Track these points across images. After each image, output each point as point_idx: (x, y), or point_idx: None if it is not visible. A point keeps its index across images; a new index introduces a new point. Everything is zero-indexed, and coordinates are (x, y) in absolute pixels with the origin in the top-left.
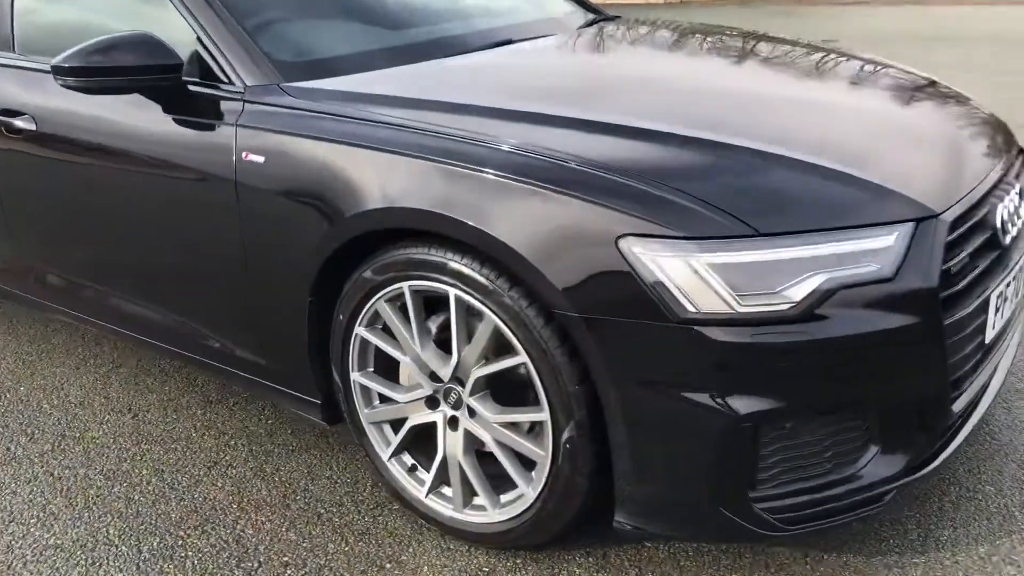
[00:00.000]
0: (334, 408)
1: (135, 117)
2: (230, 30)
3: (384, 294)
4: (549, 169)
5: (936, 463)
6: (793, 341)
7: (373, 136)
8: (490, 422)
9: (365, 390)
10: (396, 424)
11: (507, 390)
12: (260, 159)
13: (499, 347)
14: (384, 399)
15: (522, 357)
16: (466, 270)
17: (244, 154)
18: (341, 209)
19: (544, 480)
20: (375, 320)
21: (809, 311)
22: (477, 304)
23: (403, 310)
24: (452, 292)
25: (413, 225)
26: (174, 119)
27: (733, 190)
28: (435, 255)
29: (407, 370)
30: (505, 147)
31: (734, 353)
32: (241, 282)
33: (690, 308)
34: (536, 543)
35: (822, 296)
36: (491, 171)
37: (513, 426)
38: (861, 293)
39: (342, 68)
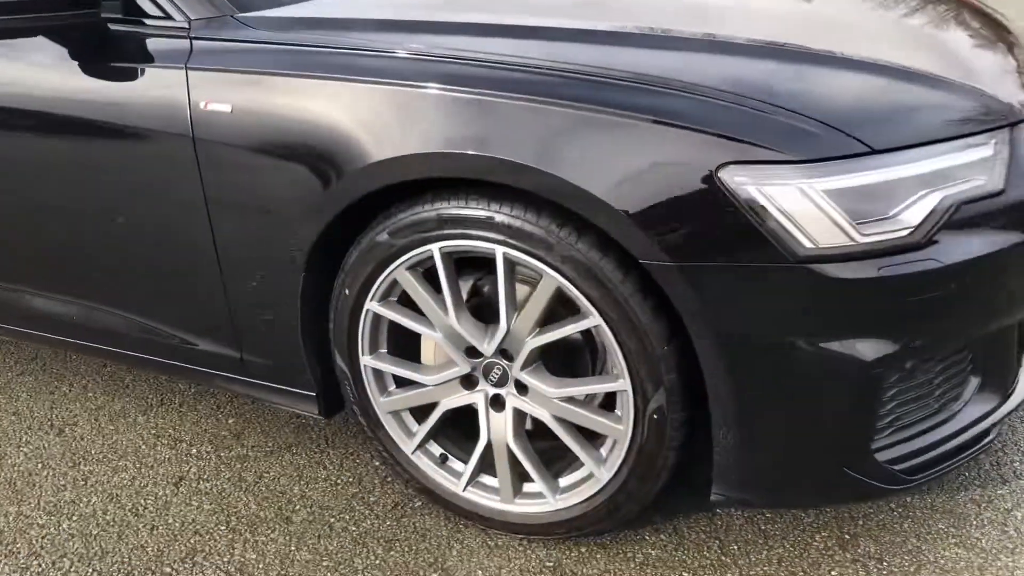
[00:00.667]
0: (332, 398)
1: (41, 68)
2: None
3: (405, 260)
4: (623, 93)
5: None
6: (921, 271)
7: (380, 68)
8: (549, 398)
9: (378, 375)
10: (420, 411)
11: (553, 359)
12: (225, 108)
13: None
14: (403, 383)
15: (592, 319)
16: (519, 223)
17: (203, 103)
18: (344, 161)
19: (623, 458)
20: (390, 292)
21: (929, 235)
22: (533, 262)
23: (428, 277)
24: (499, 251)
25: (451, 173)
26: (94, 67)
27: (833, 102)
28: (476, 208)
29: (434, 347)
30: (556, 71)
31: (860, 291)
32: (207, 261)
33: (806, 243)
34: (607, 529)
35: (940, 217)
36: (551, 100)
37: (571, 400)
38: (976, 210)
39: None
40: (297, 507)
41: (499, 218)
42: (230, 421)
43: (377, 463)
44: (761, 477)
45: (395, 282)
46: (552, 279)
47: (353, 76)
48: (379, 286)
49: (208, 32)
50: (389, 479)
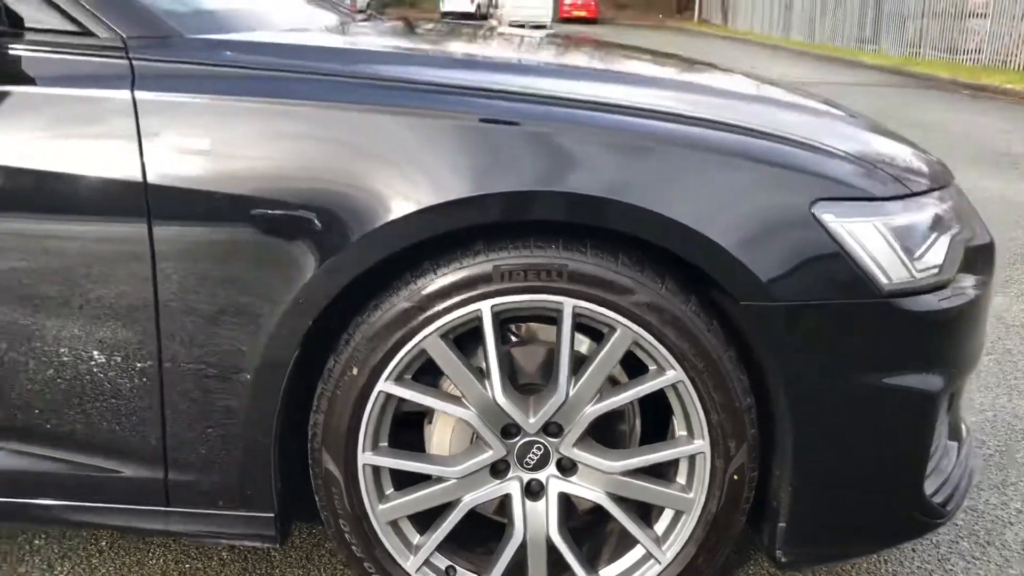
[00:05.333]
0: (287, 518)
1: None
2: None
3: (441, 326)
4: (711, 132)
5: None
6: (965, 303)
7: (424, 99)
8: (608, 473)
9: (376, 477)
10: (423, 516)
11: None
12: (201, 143)
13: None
14: (402, 484)
15: (673, 374)
16: (595, 269)
17: (165, 136)
18: (372, 210)
19: (691, 530)
20: (409, 367)
21: (952, 272)
22: (608, 314)
23: (460, 344)
24: (568, 304)
25: (519, 216)
26: None
27: (864, 151)
28: (545, 256)
29: (451, 432)
30: (634, 106)
31: (928, 323)
32: (139, 345)
33: (884, 280)
34: None
35: (954, 255)
36: (640, 135)
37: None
38: (961, 248)
39: (237, 23)
40: None
41: (573, 265)
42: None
43: None
44: (833, 527)
45: (419, 355)
46: (628, 332)
47: (388, 105)
48: (400, 361)
49: (154, 52)
50: None
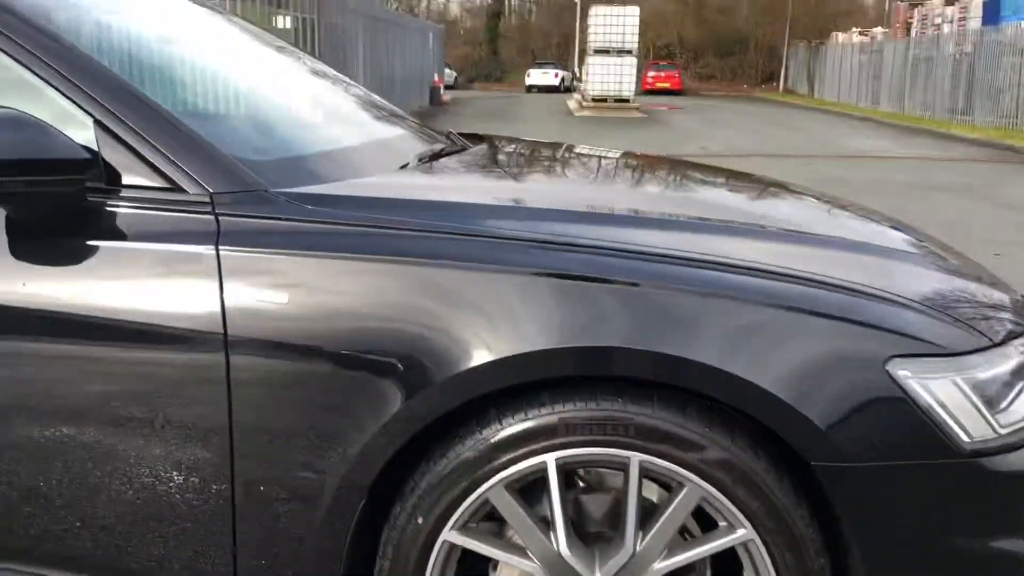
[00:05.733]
0: None
1: None
2: (166, 118)
3: (506, 477)
4: (776, 285)
5: None
6: None
7: (495, 256)
8: None
9: None
10: None
11: None
12: (280, 299)
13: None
14: None
15: (743, 532)
16: (663, 424)
17: (245, 288)
18: (446, 361)
19: None
20: (474, 516)
21: None
22: (675, 469)
23: (525, 495)
24: (635, 459)
25: (591, 371)
26: (68, 246)
27: (941, 298)
28: (611, 410)
29: None
30: (710, 260)
31: (1014, 485)
32: (212, 493)
33: (964, 438)
34: None
35: None
36: (711, 291)
37: None
38: None
39: (318, 172)
40: None
41: (639, 419)
42: None
43: None
44: None
45: (483, 504)
46: (696, 489)
47: (464, 260)
48: (464, 510)
49: (239, 208)
50: None
